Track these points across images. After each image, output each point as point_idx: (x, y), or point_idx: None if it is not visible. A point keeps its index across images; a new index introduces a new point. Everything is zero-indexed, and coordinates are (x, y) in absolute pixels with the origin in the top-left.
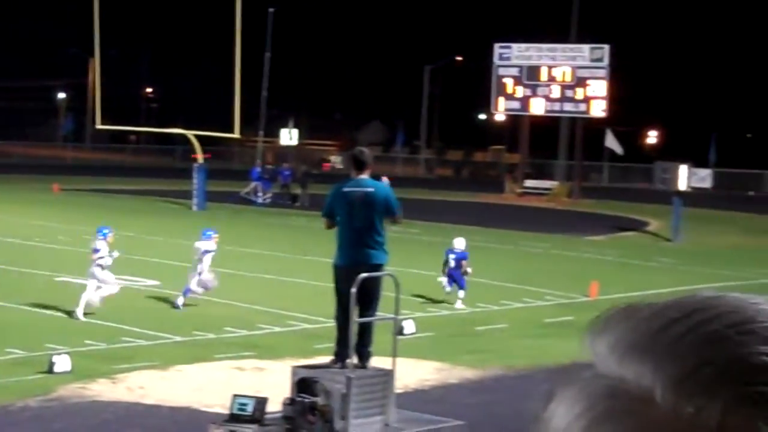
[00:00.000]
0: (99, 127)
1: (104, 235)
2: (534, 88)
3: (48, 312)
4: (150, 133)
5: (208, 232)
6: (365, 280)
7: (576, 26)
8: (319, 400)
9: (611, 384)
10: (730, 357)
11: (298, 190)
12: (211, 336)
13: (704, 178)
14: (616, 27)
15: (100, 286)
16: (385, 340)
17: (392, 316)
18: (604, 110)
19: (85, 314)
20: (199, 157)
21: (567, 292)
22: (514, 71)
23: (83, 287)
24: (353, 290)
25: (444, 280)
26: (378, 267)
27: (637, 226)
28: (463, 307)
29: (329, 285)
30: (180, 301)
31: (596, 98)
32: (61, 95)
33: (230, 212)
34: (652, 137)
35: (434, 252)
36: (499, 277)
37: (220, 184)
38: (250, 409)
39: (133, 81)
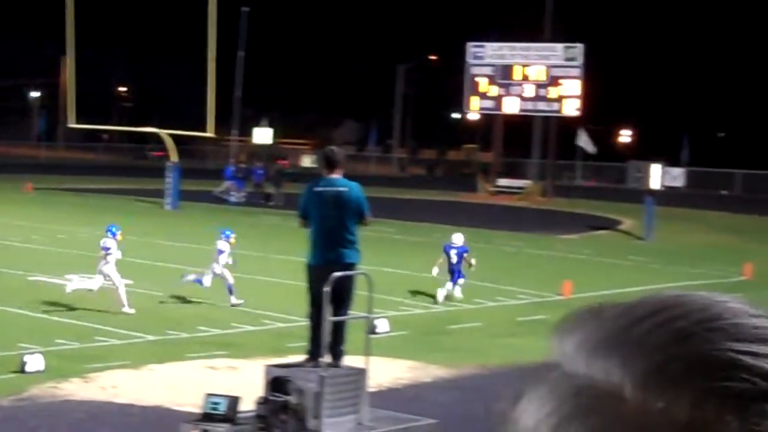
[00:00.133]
0: (72, 126)
1: (114, 233)
2: (507, 87)
3: (21, 311)
4: (123, 132)
5: (227, 232)
6: (338, 279)
7: (550, 25)
8: (292, 399)
9: (579, 382)
10: (698, 353)
11: (271, 189)
12: (184, 335)
13: (677, 177)
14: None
15: (116, 286)
16: (358, 339)
17: (365, 314)
18: (577, 109)
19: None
20: (171, 155)
21: (540, 291)
22: (488, 70)
23: (57, 286)
24: (327, 289)
25: (435, 270)
26: (351, 266)
27: (610, 224)
28: (461, 296)
29: (302, 284)
30: (233, 300)
31: (570, 97)
32: (35, 94)
33: (204, 211)
34: (625, 136)
35: (407, 250)
36: (473, 276)
37: (194, 183)
38: (222, 408)
39: (106, 80)
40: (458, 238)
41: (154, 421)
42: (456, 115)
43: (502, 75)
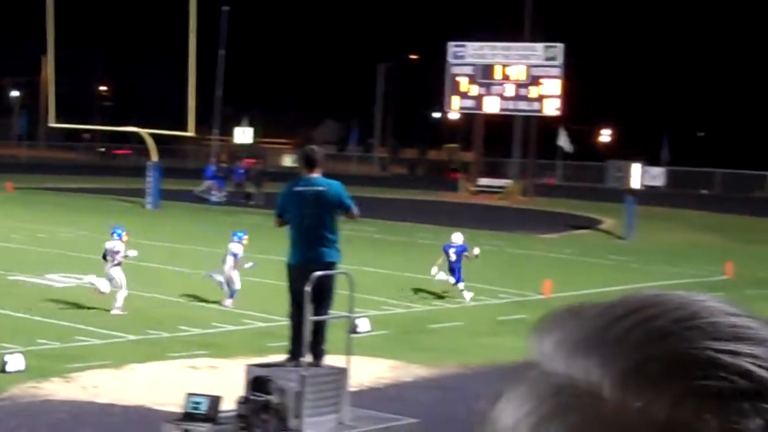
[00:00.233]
0: (52, 125)
1: (119, 235)
2: (488, 87)
3: (1, 311)
4: (104, 132)
5: (239, 234)
6: (319, 278)
7: (530, 25)
8: (273, 399)
9: (558, 381)
10: (676, 352)
11: (252, 189)
12: (165, 335)
13: (657, 176)
14: (569, 26)
15: (120, 287)
16: (339, 338)
17: (346, 314)
18: (557, 109)
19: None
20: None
21: (521, 290)
22: (469, 70)
23: (36, 286)
24: (307, 288)
25: (434, 269)
26: (331, 265)
27: (591, 224)
28: (469, 296)
29: (283, 283)
30: (228, 303)
31: (550, 97)
32: (15, 93)
33: (184, 211)
34: (605, 136)
35: (388, 250)
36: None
37: (175, 182)
38: (204, 407)
39: (87, 79)
40: (458, 237)
41: (136, 421)
42: (437, 115)
43: (483, 74)
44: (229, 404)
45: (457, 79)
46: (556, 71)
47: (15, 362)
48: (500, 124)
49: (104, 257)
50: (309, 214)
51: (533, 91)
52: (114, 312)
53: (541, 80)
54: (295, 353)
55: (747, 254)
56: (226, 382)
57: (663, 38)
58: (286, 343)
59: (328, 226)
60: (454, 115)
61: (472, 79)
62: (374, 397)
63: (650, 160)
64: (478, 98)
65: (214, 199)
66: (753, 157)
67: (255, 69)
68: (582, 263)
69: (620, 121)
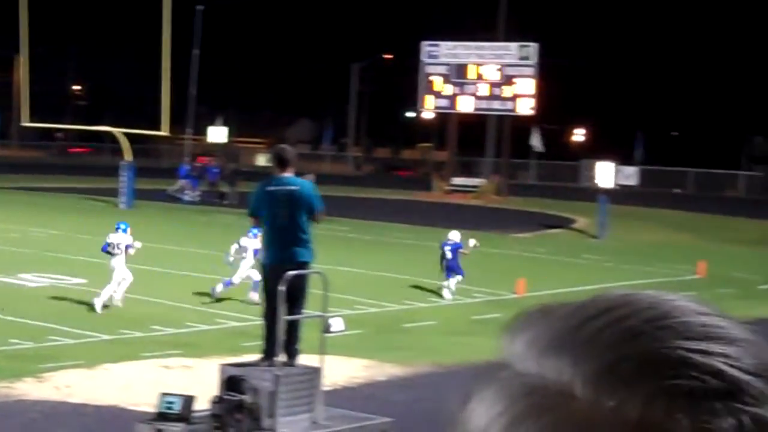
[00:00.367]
0: (26, 124)
1: (124, 230)
2: (462, 86)
3: None
4: (78, 131)
5: (254, 230)
6: (292, 278)
7: (504, 24)
8: (247, 398)
9: (530, 381)
10: (648, 351)
11: (226, 188)
12: (139, 334)
13: (630, 175)
14: (543, 25)
15: (121, 281)
16: (313, 338)
17: (320, 313)
18: (531, 108)
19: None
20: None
21: (494, 289)
22: (442, 69)
23: (9, 286)
24: (281, 288)
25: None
26: (304, 265)
27: (564, 223)
28: (450, 295)
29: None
30: (218, 288)
31: (524, 96)
32: None
33: (158, 210)
34: (579, 135)
35: (362, 249)
36: (427, 275)
37: (148, 182)
38: (177, 407)
39: (60, 78)
40: (454, 235)
41: (109, 421)
42: (411, 114)
43: (457, 74)
44: (202, 404)
45: (431, 78)
46: (530, 71)
47: None
48: (474, 124)
49: (109, 252)
50: (282, 213)
51: (507, 91)
52: (95, 302)
53: (514, 80)
54: (268, 353)
55: (719, 253)
56: (200, 381)
57: (637, 38)
58: (260, 342)
59: (301, 226)
60: (428, 115)
61: (446, 79)
62: (348, 397)
63: (624, 160)
64: (452, 98)
65: (187, 198)
66: (726, 157)
67: (229, 68)
68: (555, 262)
69: (594, 120)
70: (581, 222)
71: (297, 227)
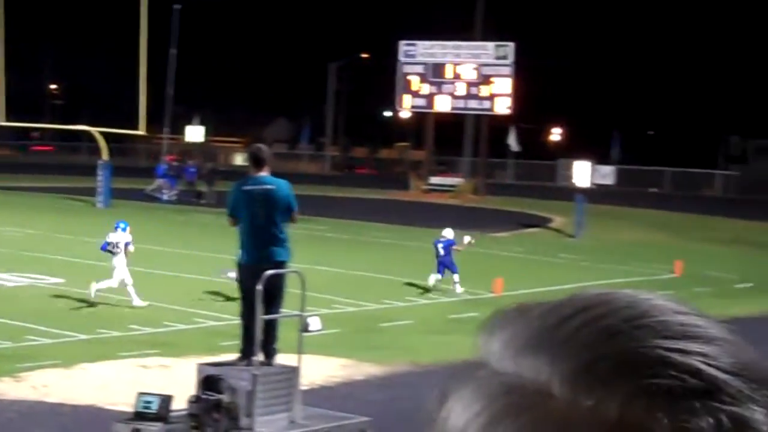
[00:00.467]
0: (2, 123)
1: (123, 229)
2: (439, 86)
3: None
4: (55, 130)
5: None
6: (269, 277)
7: (481, 24)
8: (225, 398)
9: (508, 381)
10: (626, 351)
11: (203, 188)
12: (116, 334)
13: (607, 174)
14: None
15: (114, 270)
16: (290, 337)
17: (298, 312)
18: (508, 107)
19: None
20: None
21: (472, 288)
22: (420, 68)
23: None
24: (259, 287)
25: (436, 275)
26: (281, 264)
27: (541, 222)
28: (462, 290)
29: (234, 282)
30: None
31: (501, 95)
32: None
33: (135, 210)
34: (556, 134)
35: (339, 248)
36: (405, 273)
37: (126, 181)
38: (155, 407)
39: (36, 77)
40: (448, 233)
41: (86, 421)
42: (388, 114)
43: (434, 73)
44: (180, 403)
45: (408, 77)
46: (507, 70)
47: None
48: (451, 123)
49: (110, 251)
50: (258, 213)
51: (484, 90)
52: (92, 290)
53: (492, 79)
54: (246, 352)
55: (696, 252)
56: (178, 381)
57: (613, 37)
58: (237, 342)
59: (278, 225)
60: (405, 114)
61: (423, 78)
62: (326, 396)
63: (600, 159)
64: (429, 97)
65: (165, 197)
66: (702, 156)
67: (206, 68)
68: (533, 261)
69: (571, 119)
70: (558, 221)
71: (274, 226)
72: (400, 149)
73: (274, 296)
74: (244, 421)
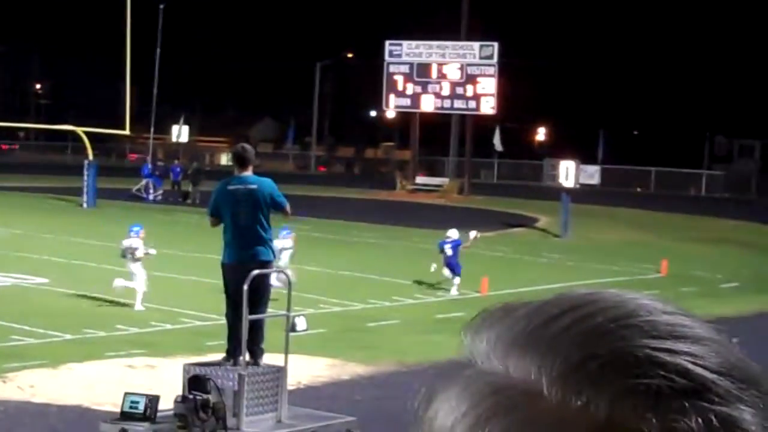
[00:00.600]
0: None
1: (137, 233)
2: (424, 85)
3: None
4: (40, 130)
5: (284, 231)
6: (254, 277)
7: (466, 24)
8: (211, 398)
9: (495, 380)
10: (615, 350)
11: (189, 187)
12: (102, 334)
13: (592, 174)
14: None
15: (134, 276)
16: (277, 337)
17: (285, 312)
18: (493, 107)
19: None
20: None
21: (458, 288)
22: (405, 68)
23: None
24: (245, 287)
25: (434, 266)
26: (266, 264)
27: (527, 222)
28: (457, 293)
29: (221, 282)
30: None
31: (486, 95)
32: None
33: (121, 209)
34: (541, 134)
35: (325, 248)
36: (391, 273)
37: (111, 181)
38: (141, 407)
39: (22, 77)
40: (453, 233)
41: (73, 421)
42: (374, 113)
43: (419, 73)
44: (167, 403)
45: (394, 77)
46: (492, 70)
47: None
48: (437, 123)
49: (123, 255)
50: (243, 212)
51: (469, 90)
52: (137, 308)
53: (477, 79)
54: (233, 352)
55: (681, 252)
56: (164, 381)
57: (598, 37)
58: (223, 342)
59: (262, 225)
60: (390, 114)
61: (409, 78)
62: (312, 396)
63: (586, 159)
64: (415, 97)
65: (150, 197)
66: (688, 156)
67: (192, 67)
68: (518, 261)
69: (556, 119)
70: (544, 221)
71: (258, 226)
72: (386, 149)
73: (259, 296)
74: (230, 421)
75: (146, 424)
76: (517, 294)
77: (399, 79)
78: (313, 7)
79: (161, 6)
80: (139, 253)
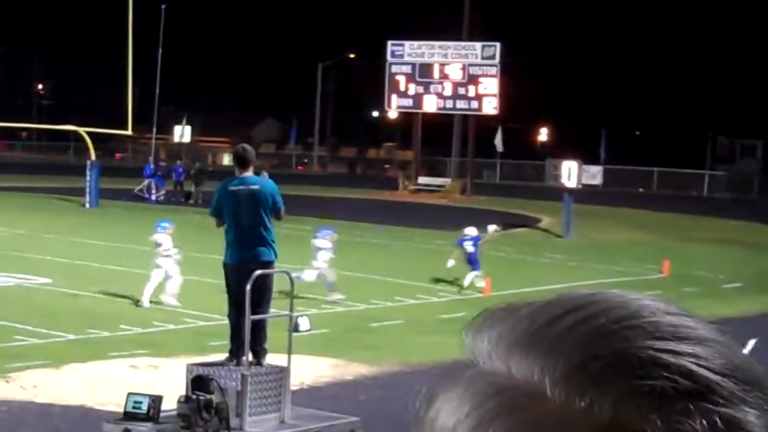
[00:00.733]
0: None
1: (164, 228)
2: (426, 86)
3: None
4: (42, 130)
5: (324, 231)
6: (256, 277)
7: (468, 24)
8: (215, 398)
9: (498, 381)
10: (618, 351)
11: (191, 188)
12: (106, 334)
13: (595, 175)
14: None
15: (170, 277)
16: (280, 337)
17: (287, 312)
18: (495, 108)
19: (151, 302)
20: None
21: (461, 288)
22: (407, 69)
23: None
24: (248, 287)
25: (451, 262)
26: (268, 264)
27: (529, 222)
28: (468, 283)
29: (223, 282)
30: (336, 296)
31: (488, 95)
32: None
33: (123, 210)
34: (544, 134)
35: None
36: (394, 274)
37: (113, 181)
38: (144, 407)
39: (24, 77)
40: (471, 230)
41: (76, 421)
42: (376, 114)
43: (421, 73)
44: (170, 403)
45: (396, 77)
46: (494, 70)
47: None
48: (439, 123)
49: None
50: (245, 213)
51: (471, 90)
52: (169, 301)
53: (479, 79)
54: (235, 352)
55: (684, 252)
56: (167, 381)
57: (600, 37)
58: (227, 342)
59: (265, 225)
60: (393, 114)
61: (411, 78)
62: (315, 396)
63: (588, 159)
64: (417, 97)
65: (152, 197)
66: (690, 156)
67: (194, 67)
68: (521, 261)
69: (559, 119)
70: (546, 221)
71: (261, 226)
72: (388, 149)
73: (262, 297)
74: (233, 422)
75: (149, 425)
76: (520, 294)
77: (401, 80)
78: (316, 7)
79: (163, 6)
80: (163, 249)
